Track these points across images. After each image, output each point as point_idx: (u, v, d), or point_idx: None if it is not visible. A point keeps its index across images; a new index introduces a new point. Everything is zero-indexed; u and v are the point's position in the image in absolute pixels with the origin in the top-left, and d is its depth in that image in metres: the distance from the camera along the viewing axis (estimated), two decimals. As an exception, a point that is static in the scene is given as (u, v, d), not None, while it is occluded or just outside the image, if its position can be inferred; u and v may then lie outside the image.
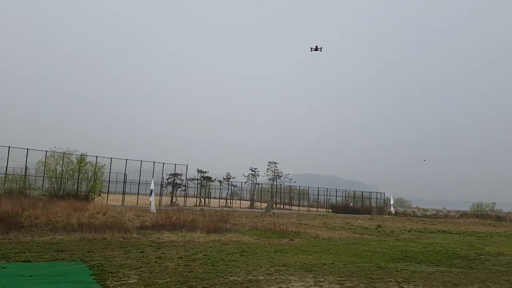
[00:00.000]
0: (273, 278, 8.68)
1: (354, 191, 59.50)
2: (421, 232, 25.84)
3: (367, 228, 26.22)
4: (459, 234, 25.69)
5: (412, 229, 27.54)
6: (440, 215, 55.60)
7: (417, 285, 8.79)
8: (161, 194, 39.11)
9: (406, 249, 15.75)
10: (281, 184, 53.48)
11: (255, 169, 50.19)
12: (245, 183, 50.28)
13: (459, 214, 55.53)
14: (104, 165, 32.82)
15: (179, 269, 9.08)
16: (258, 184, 52.43)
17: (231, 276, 8.65)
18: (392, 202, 54.33)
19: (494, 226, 38.28)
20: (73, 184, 29.98)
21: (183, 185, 41.77)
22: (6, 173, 28.62)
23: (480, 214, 52.21)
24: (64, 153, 30.00)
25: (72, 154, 30.43)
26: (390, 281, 9.12)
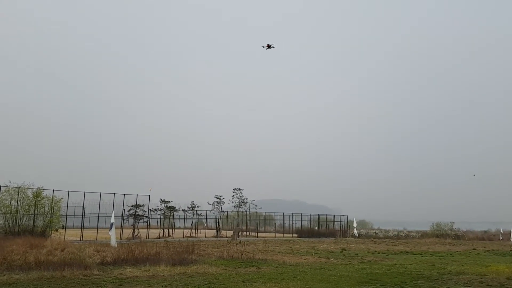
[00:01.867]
0: (242, 309, 8.54)
1: (319, 215, 60.00)
2: (384, 253, 26.32)
3: (332, 252, 26.41)
4: (421, 254, 26.34)
5: (375, 251, 28.02)
6: (402, 235, 57.03)
7: (384, 308, 8.91)
8: (122, 227, 37.77)
9: (371, 271, 15.97)
10: (246, 211, 53.18)
11: (220, 196, 49.77)
12: (210, 211, 49.60)
13: (419, 234, 57.21)
14: (62, 198, 31.61)
15: (144, 306, 8.75)
16: (223, 211, 51.86)
17: (199, 310, 8.43)
18: (355, 224, 55.20)
19: (454, 245, 39.58)
20: (29, 219, 28.64)
21: (146, 216, 40.61)
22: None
23: (440, 234, 54.03)
24: (19, 188, 28.69)
25: (27, 188, 29.16)
26: (357, 305, 9.20)
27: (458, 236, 53.59)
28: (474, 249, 32.84)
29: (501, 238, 51.91)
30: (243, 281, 12.55)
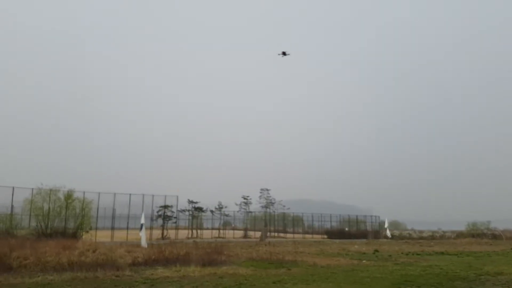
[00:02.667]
0: (275, 312, 8.33)
1: (349, 215, 59.11)
2: (418, 254, 25.63)
3: (364, 253, 25.86)
4: (457, 254, 25.61)
5: (409, 252, 27.31)
6: (436, 236, 55.56)
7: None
8: (151, 228, 38.25)
9: (406, 273, 15.56)
10: (274, 211, 52.96)
11: (248, 197, 49.76)
12: (237, 211, 49.69)
13: (455, 235, 55.63)
14: (92, 200, 32.22)
15: (176, 307, 8.66)
16: (250, 212, 51.82)
17: (231, 312, 8.28)
18: (387, 225, 54.01)
19: (491, 245, 38.31)
20: (61, 221, 29.25)
21: (174, 217, 41.00)
22: (-9, 213, 27.85)
23: (476, 234, 52.39)
24: (51, 190, 29.40)
25: (59, 190, 29.85)
26: (394, 308, 8.85)
27: (495, 236, 51.87)
28: (512, 249, 31.65)
29: (541, 236, 49.87)
30: (274, 282, 12.38)
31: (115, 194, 35.26)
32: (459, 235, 54.84)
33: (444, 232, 60.42)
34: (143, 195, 37.22)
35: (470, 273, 15.46)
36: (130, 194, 36.47)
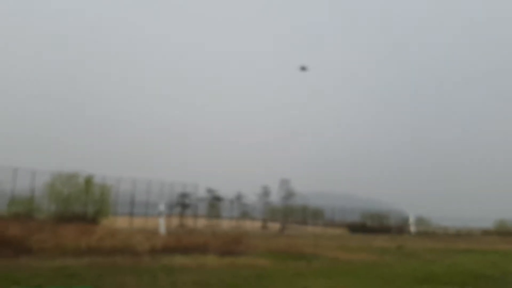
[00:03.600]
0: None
1: (372, 210, 58.25)
2: (443, 251, 25.01)
3: (387, 249, 25.31)
4: (483, 252, 24.99)
5: (434, 249, 26.69)
6: (462, 233, 54.30)
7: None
8: (170, 216, 38.45)
9: (429, 270, 15.14)
10: (294, 203, 52.58)
11: (267, 187, 49.49)
12: (256, 202, 49.54)
13: (481, 232, 54.30)
14: (112, 186, 32.55)
15: (194, 296, 8.44)
16: (270, 203, 51.61)
17: (250, 303, 7.99)
18: (411, 220, 52.91)
19: (519, 243, 37.12)
20: (80, 206, 29.67)
21: (193, 206, 41.14)
22: (12, 196, 28.35)
23: (504, 231, 51.04)
24: (71, 175, 29.74)
25: (79, 175, 30.18)
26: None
27: (524, 234, 50.32)
28: (541, 248, 30.51)
29: None
30: (293, 275, 12.16)
31: (134, 180, 35.55)
32: (486, 232, 53.57)
33: (470, 229, 59.02)
34: (163, 182, 37.43)
35: (496, 272, 15.11)
36: (149, 181, 36.71)
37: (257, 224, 48.76)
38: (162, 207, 25.50)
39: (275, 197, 52.79)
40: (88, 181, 30.35)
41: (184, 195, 40.07)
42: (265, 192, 49.17)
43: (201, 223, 41.51)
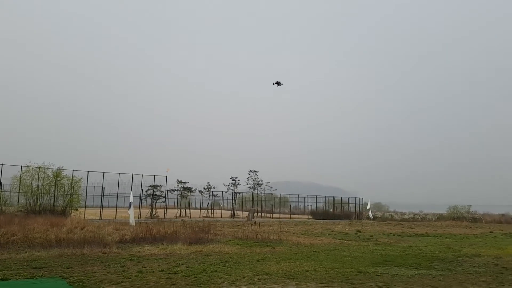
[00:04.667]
0: (256, 287, 8.72)
1: (334, 197, 60.04)
2: (399, 235, 26.31)
3: (347, 233, 26.52)
4: (437, 236, 26.25)
5: (390, 233, 28.03)
6: (418, 218, 56.69)
7: (398, 289, 8.96)
8: (140, 207, 38.56)
9: (386, 253, 16.01)
10: (262, 192, 53.60)
11: (236, 178, 50.20)
12: (226, 192, 50.21)
13: (436, 217, 56.75)
14: (81, 178, 32.34)
15: (161, 282, 8.99)
16: (239, 193, 52.39)
17: (214, 287, 8.63)
18: (369, 206, 55.02)
19: (470, 228, 39.25)
20: (50, 199, 29.39)
21: (163, 197, 41.32)
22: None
23: (457, 217, 53.52)
24: (39, 168, 29.40)
25: (48, 168, 29.88)
26: (371, 285, 9.27)
27: (475, 219, 53.01)
28: (491, 232, 32.60)
29: (518, 221, 51.21)
30: (258, 260, 12.74)
31: (104, 172, 35.39)
32: (440, 217, 55.90)
33: (425, 214, 61.57)
34: (132, 174, 37.42)
35: (449, 254, 15.91)
36: (119, 173, 36.62)
37: (227, 213, 49.48)
38: (131, 198, 25.69)
39: (244, 187, 53.68)
40: (57, 174, 30.03)
41: (154, 187, 40.14)
42: (234, 183, 49.85)
43: (172, 213, 41.78)
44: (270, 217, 49.54)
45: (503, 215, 60.24)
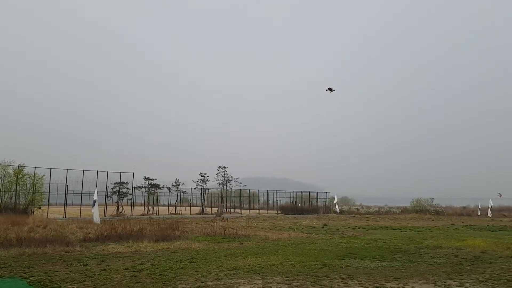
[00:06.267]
0: (222, 283, 8.73)
1: (302, 192, 60.74)
2: (364, 228, 26.95)
3: (314, 227, 26.93)
4: (400, 229, 27.02)
5: (356, 226, 28.69)
6: (382, 211, 58.25)
7: (361, 281, 9.16)
8: (106, 204, 37.67)
9: (351, 245, 16.37)
10: (231, 188, 53.59)
11: (205, 174, 49.92)
12: (194, 188, 49.82)
13: (400, 210, 58.49)
14: (44, 176, 31.32)
15: (125, 280, 8.86)
16: (208, 189, 52.13)
17: (180, 284, 8.58)
18: (336, 200, 56.03)
19: (433, 220, 40.61)
20: (11, 197, 28.40)
21: (130, 194, 40.54)
22: None
23: (420, 209, 55.30)
24: (-1, 165, 28.30)
25: (8, 165, 28.79)
26: (335, 278, 9.48)
27: (438, 212, 54.88)
28: (452, 224, 33.76)
29: (479, 213, 53.19)
30: (225, 256, 12.76)
31: (67, 169, 34.36)
32: (404, 210, 57.62)
33: (390, 207, 63.35)
34: (97, 171, 36.49)
35: (411, 246, 16.40)
36: (83, 170, 35.64)
37: (196, 210, 49.17)
38: (96, 196, 25.11)
39: (213, 183, 53.53)
40: (19, 171, 28.98)
41: (120, 184, 39.30)
42: (203, 179, 49.56)
43: (139, 211, 41.10)
44: (240, 213, 49.61)
45: (464, 207, 62.80)
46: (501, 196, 55.61)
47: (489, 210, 50.44)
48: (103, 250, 13.84)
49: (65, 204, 34.97)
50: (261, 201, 58.58)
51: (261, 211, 54.26)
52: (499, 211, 54.75)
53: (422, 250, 15.44)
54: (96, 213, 24.26)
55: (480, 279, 9.67)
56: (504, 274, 10.30)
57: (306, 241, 18.05)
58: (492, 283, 9.15)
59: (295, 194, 59.23)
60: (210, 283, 8.64)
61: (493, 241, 18.94)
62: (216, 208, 45.03)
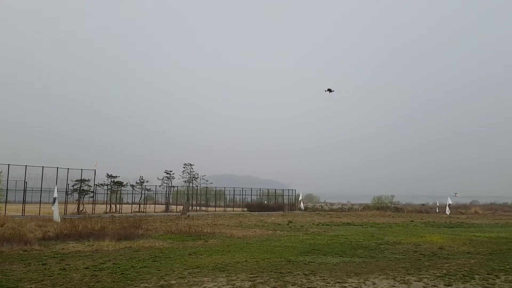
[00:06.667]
0: (186, 281, 8.69)
1: (268, 190, 61.10)
2: (327, 225, 27.48)
3: (279, 224, 27.21)
4: (362, 225, 27.69)
5: (320, 223, 29.17)
6: (345, 208, 59.59)
7: (323, 276, 9.36)
8: (66, 202, 36.52)
9: (314, 242, 16.66)
10: (197, 186, 53.12)
11: (170, 171, 49.22)
12: (160, 186, 49.01)
13: (362, 207, 59.94)
14: (1, 172, 30.01)
15: (85, 280, 8.66)
16: (173, 187, 51.42)
17: (142, 283, 8.47)
18: (301, 198, 56.71)
19: (393, 217, 41.72)
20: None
21: (91, 192, 39.45)
22: None
23: (381, 206, 56.83)
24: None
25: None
26: (298, 274, 9.63)
27: (398, 209, 56.46)
28: (412, 221, 34.74)
29: (437, 211, 54.59)
30: (189, 254, 12.69)
31: (26, 166, 33.09)
32: (366, 207, 59.00)
33: (352, 204, 64.88)
34: (57, 168, 35.31)
35: (372, 242, 16.85)
36: (43, 167, 34.40)
37: (161, 208, 48.43)
38: (55, 194, 24.29)
39: (179, 181, 52.82)
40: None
41: (81, 181, 38.14)
42: (169, 176, 48.85)
43: (101, 209, 40.08)
44: (206, 211, 49.33)
45: (423, 205, 65.12)
46: (456, 195, 57.82)
47: (447, 208, 52.43)
48: (63, 249, 13.47)
49: (24, 202, 33.76)
50: (228, 198, 58.48)
51: (227, 208, 54.15)
52: (456, 209, 56.94)
53: (383, 246, 15.85)
54: (56, 211, 23.47)
55: (437, 274, 10.02)
56: (460, 270, 10.69)
57: (271, 238, 18.22)
58: (449, 278, 9.50)
59: (261, 191, 59.53)
60: (173, 282, 8.58)
61: (450, 237, 19.60)
62: (182, 206, 44.57)
